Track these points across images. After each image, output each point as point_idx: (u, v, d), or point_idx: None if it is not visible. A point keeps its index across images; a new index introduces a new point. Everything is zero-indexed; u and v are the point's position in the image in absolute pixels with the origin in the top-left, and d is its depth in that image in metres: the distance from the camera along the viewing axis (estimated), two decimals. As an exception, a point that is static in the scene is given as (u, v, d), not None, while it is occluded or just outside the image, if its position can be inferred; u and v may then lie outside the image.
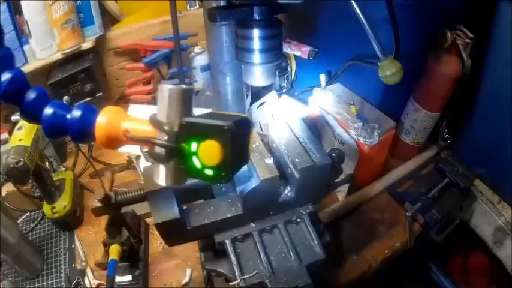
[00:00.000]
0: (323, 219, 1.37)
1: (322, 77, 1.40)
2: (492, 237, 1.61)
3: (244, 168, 0.83)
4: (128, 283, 1.22)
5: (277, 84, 1.69)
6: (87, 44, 1.55)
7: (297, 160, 0.84)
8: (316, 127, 1.54)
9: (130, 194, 0.91)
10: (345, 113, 1.37)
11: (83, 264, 1.31)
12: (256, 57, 0.79)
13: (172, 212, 0.82)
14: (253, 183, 0.81)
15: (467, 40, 1.32)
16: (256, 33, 0.77)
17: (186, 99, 0.58)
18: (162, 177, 0.59)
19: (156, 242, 1.37)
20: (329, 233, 1.05)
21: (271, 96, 1.53)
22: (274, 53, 0.80)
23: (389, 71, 0.98)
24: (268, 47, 0.78)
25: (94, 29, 1.56)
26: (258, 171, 0.81)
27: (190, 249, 1.08)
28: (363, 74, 1.41)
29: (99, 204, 0.91)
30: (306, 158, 0.85)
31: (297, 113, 1.39)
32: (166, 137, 0.55)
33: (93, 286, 1.25)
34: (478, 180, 1.62)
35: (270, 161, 0.84)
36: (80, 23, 1.50)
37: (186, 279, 1.26)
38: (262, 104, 1.55)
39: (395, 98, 1.55)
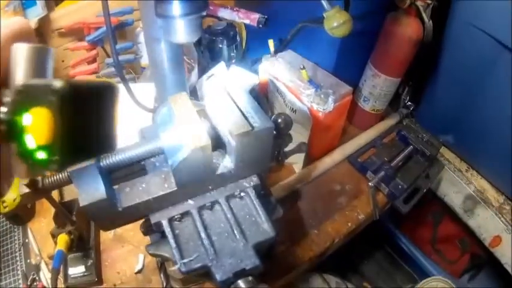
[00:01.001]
0: (279, 193, 1.31)
1: (271, 43, 1.34)
2: (462, 206, 1.59)
3: (175, 138, 0.76)
4: (81, 274, 1.16)
5: (225, 55, 1.63)
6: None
7: (232, 126, 0.76)
8: (266, 97, 1.48)
9: (58, 177, 0.82)
10: (296, 79, 1.30)
11: (38, 258, 1.25)
12: (176, 8, 0.71)
13: (98, 192, 0.73)
14: (183, 154, 0.72)
15: (428, 1, 1.28)
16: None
17: (35, 60, 0.48)
18: (18, 169, 0.49)
19: (106, 230, 1.30)
20: (285, 207, 0.98)
21: (219, 68, 1.46)
22: (196, 2, 0.72)
23: (336, 21, 0.92)
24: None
25: (37, 10, 1.47)
26: (187, 140, 0.73)
27: (142, 234, 1.01)
28: (316, 39, 1.35)
29: (26, 190, 0.83)
30: (243, 122, 0.76)
31: (246, 82, 1.33)
32: (5, 109, 0.42)
33: (49, 281, 1.18)
34: (445, 148, 1.60)
35: (201, 128, 0.76)
36: (22, 4, 1.41)
37: (139, 266, 1.21)
38: (211, 76, 1.48)
39: (352, 63, 1.49)
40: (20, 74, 0.47)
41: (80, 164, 0.74)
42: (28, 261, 1.26)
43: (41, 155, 0.41)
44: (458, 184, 1.60)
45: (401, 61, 1.41)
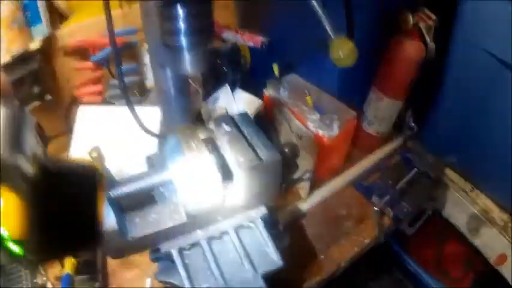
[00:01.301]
0: (285, 219, 1.31)
1: (275, 67, 1.34)
2: (467, 226, 1.58)
3: (185, 172, 0.76)
4: (88, 297, 1.14)
5: (230, 77, 1.63)
6: (35, 44, 1.46)
7: (241, 158, 0.77)
8: (272, 121, 1.48)
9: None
10: (302, 104, 1.31)
11: (44, 279, 1.23)
12: (183, 40, 0.71)
13: (109, 223, 0.73)
14: (193, 189, 0.73)
15: (430, 22, 1.28)
16: (181, 11, 0.68)
17: (12, 129, 0.43)
18: None
19: (112, 255, 1.30)
20: (291, 233, 0.99)
21: (224, 91, 1.47)
22: (202, 35, 0.73)
23: (341, 52, 0.91)
24: (195, 28, 0.70)
25: (42, 28, 1.47)
26: (197, 175, 0.74)
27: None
28: (320, 63, 1.35)
29: None
30: (251, 155, 0.77)
31: (251, 106, 1.33)
32: None
33: (59, 308, 1.16)
34: (449, 168, 1.59)
35: (210, 162, 0.76)
36: (26, 22, 1.42)
37: (147, 290, 1.19)
38: (216, 99, 1.49)
39: (356, 86, 1.49)
40: None
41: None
42: (34, 281, 1.24)
43: (15, 249, 0.35)
44: (463, 204, 1.59)
45: (404, 83, 1.42)
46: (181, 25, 0.69)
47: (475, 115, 1.38)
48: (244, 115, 0.89)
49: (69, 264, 1.10)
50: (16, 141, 0.42)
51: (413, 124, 1.63)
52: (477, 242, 1.60)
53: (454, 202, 1.63)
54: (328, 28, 0.92)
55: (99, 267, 1.21)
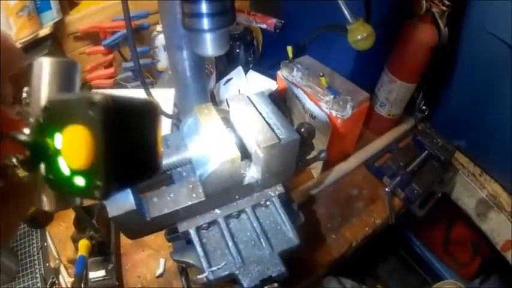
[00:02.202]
0: (297, 199, 1.32)
1: (290, 49, 1.34)
2: (475, 210, 1.59)
3: (203, 150, 0.77)
4: (102, 278, 1.16)
5: (243, 59, 1.63)
6: (44, 31, 1.46)
7: (260, 137, 0.77)
8: (285, 102, 1.48)
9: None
10: (315, 85, 1.30)
11: (57, 262, 1.24)
12: (205, 22, 0.71)
13: (127, 202, 0.73)
14: (212, 167, 0.74)
15: (444, 8, 1.28)
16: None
17: (61, 76, 0.44)
18: (44, 199, 0.44)
19: (127, 235, 1.31)
20: (304, 212, 0.99)
21: (237, 72, 1.47)
22: (225, 17, 0.72)
23: (359, 34, 0.92)
24: (218, 9, 0.70)
25: (51, 14, 1.48)
26: (216, 152, 0.74)
27: (163, 238, 1.02)
28: (334, 45, 1.36)
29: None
30: (270, 134, 0.77)
31: (264, 87, 1.34)
32: (27, 131, 0.36)
33: (68, 285, 1.19)
34: (459, 152, 1.59)
35: (230, 140, 0.77)
36: (36, 9, 1.42)
37: (160, 270, 1.22)
38: (228, 80, 1.49)
39: (369, 69, 1.50)
40: (44, 91, 0.44)
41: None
42: (47, 264, 1.26)
43: (80, 181, 0.35)
44: (472, 188, 1.60)
45: (417, 67, 1.42)
46: (204, 7, 0.69)
47: (485, 100, 1.38)
48: (260, 95, 0.89)
49: (83, 246, 1.10)
50: (70, 84, 0.43)
51: (424, 107, 1.63)
52: (485, 227, 1.60)
53: (463, 186, 1.63)
54: (346, 12, 0.92)
55: (112, 248, 1.22)
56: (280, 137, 0.77)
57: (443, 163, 1.52)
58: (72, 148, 0.33)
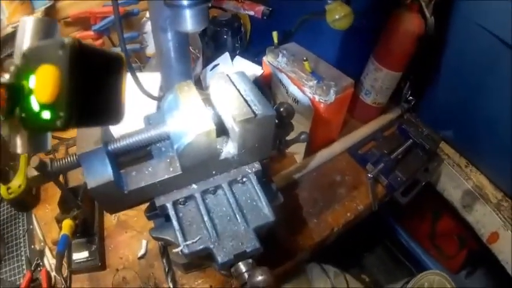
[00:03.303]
0: (280, 183, 1.34)
1: (275, 35, 1.35)
2: (461, 201, 1.60)
3: (181, 124, 0.78)
4: (85, 259, 1.18)
5: (230, 46, 1.64)
6: (36, 16, 1.47)
7: (236, 112, 0.78)
8: (270, 87, 1.49)
9: (67, 160, 0.84)
10: (299, 71, 1.31)
11: (42, 244, 1.26)
12: None
13: (106, 175, 0.75)
14: (187, 139, 0.75)
15: (430, -3, 1.27)
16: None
17: (42, 32, 0.49)
18: (18, 142, 0.48)
19: (110, 215, 1.33)
20: (286, 196, 1.00)
21: (224, 58, 1.48)
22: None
23: (337, 14, 0.94)
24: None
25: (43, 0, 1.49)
26: (192, 125, 0.75)
27: (145, 220, 1.03)
28: (320, 32, 1.37)
29: (35, 173, 0.84)
30: (246, 109, 0.79)
31: (250, 73, 1.35)
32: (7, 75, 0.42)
33: (52, 266, 1.20)
34: (444, 143, 1.61)
35: (206, 114, 0.78)
36: (28, -6, 1.43)
37: (142, 251, 1.23)
38: (215, 66, 1.51)
39: (355, 57, 1.51)
40: (27, 44, 0.49)
41: (88, 147, 0.76)
42: (32, 247, 1.28)
43: (46, 115, 0.39)
44: (457, 179, 1.61)
45: (402, 56, 1.43)
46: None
47: (472, 91, 1.39)
48: (240, 73, 0.90)
49: (66, 226, 1.11)
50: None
51: (411, 97, 1.64)
52: (470, 218, 1.61)
53: (449, 177, 1.65)
54: (325, -7, 0.93)
55: (96, 230, 1.24)
56: (256, 112, 0.79)
57: (428, 152, 1.53)
58: (42, 84, 0.38)
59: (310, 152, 1.46)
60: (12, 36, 1.46)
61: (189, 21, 0.77)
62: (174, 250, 0.81)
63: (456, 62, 1.42)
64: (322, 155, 1.48)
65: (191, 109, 0.79)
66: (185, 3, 0.74)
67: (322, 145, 1.51)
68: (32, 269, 1.21)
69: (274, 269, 1.17)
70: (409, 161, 1.50)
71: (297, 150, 1.41)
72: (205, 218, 0.81)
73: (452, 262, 2.02)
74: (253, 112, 0.78)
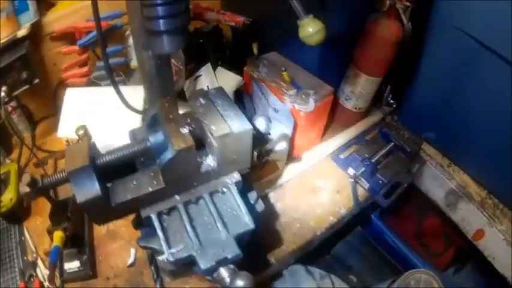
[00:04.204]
0: (263, 189, 1.37)
1: (255, 46, 1.38)
2: (445, 200, 1.63)
3: (162, 140, 0.82)
4: (77, 269, 1.21)
5: (212, 56, 1.66)
6: (22, 32, 1.49)
7: (213, 128, 0.82)
8: (251, 97, 1.52)
9: (57, 176, 0.88)
10: (279, 80, 1.35)
11: (34, 255, 1.29)
12: (161, 23, 0.76)
13: (93, 189, 0.80)
14: (168, 155, 0.79)
15: (407, 3, 1.32)
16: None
17: None
18: None
19: (100, 226, 1.34)
20: (268, 202, 1.04)
21: (206, 69, 1.51)
22: (179, 18, 0.77)
23: (310, 28, 0.96)
24: (173, 11, 0.75)
25: (29, 15, 1.50)
26: (172, 141, 0.79)
27: (134, 229, 1.06)
28: (299, 41, 1.39)
29: (27, 189, 0.87)
30: (223, 125, 0.83)
31: (231, 83, 1.38)
32: None
33: (45, 276, 1.23)
34: (427, 144, 1.63)
35: (185, 130, 0.82)
36: (14, 10, 1.44)
37: (131, 260, 1.26)
38: (198, 77, 1.53)
39: (334, 64, 1.53)
40: None
41: (76, 164, 0.80)
42: (25, 258, 1.29)
43: None
44: (441, 179, 1.64)
45: (381, 61, 1.46)
46: (159, 11, 0.74)
47: (452, 93, 1.42)
48: (218, 89, 0.94)
49: (58, 237, 1.14)
50: None
51: (392, 101, 1.67)
52: (455, 217, 1.65)
53: (432, 177, 1.68)
54: (297, 8, 0.96)
55: (86, 240, 1.27)
56: (233, 127, 0.83)
57: (410, 154, 1.57)
58: None
59: (292, 158, 1.50)
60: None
61: (166, 44, 0.80)
62: (160, 258, 0.85)
63: (435, 65, 1.45)
64: (304, 161, 1.51)
65: (171, 125, 0.82)
66: (162, 28, 0.76)
67: (304, 151, 1.54)
68: (26, 279, 1.23)
69: (258, 273, 1.20)
70: (390, 163, 1.54)
71: (279, 157, 1.43)
72: (188, 227, 0.86)
73: (440, 260, 2.03)
74: (230, 127, 0.82)
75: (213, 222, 0.87)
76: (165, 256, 0.83)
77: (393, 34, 1.37)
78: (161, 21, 0.75)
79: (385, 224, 2.07)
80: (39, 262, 1.27)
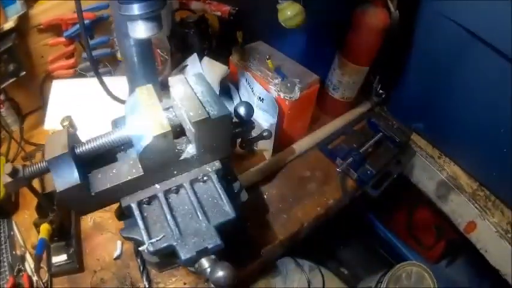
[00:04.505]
0: (249, 179, 1.36)
1: (239, 35, 1.37)
2: (435, 192, 1.63)
3: (139, 127, 0.81)
4: (64, 262, 1.20)
5: (198, 46, 1.66)
6: (9, 24, 1.48)
7: (191, 113, 0.81)
8: (236, 86, 1.51)
9: (38, 166, 0.87)
10: (265, 69, 1.34)
11: (22, 249, 1.28)
12: (135, 8, 0.76)
13: (72, 178, 0.79)
14: (145, 141, 0.78)
15: (395, -9, 1.29)
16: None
17: None
18: None
19: (86, 218, 1.35)
20: (254, 193, 1.03)
21: (192, 59, 1.50)
22: (154, 2, 0.77)
23: (289, 12, 0.96)
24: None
25: (16, 8, 1.49)
26: (149, 128, 0.78)
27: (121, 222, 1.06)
28: (284, 30, 1.39)
29: (9, 179, 0.87)
30: (202, 111, 0.82)
31: (218, 73, 1.37)
32: None
33: (33, 270, 1.22)
34: (417, 135, 1.64)
35: (163, 116, 0.81)
36: (1, 3, 1.44)
37: (118, 252, 1.26)
38: (184, 67, 1.53)
39: (321, 53, 1.53)
40: None
41: (55, 152, 0.79)
42: (14, 252, 1.28)
43: None
44: (431, 170, 1.64)
45: (368, 50, 1.46)
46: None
47: (441, 83, 1.42)
48: (198, 75, 0.93)
49: (44, 230, 1.13)
50: None
51: (381, 91, 1.66)
52: (446, 208, 1.64)
53: (422, 168, 1.67)
54: (276, -8, 0.95)
55: (73, 233, 1.26)
56: (211, 113, 0.82)
57: (399, 145, 1.56)
58: None
59: (279, 148, 1.49)
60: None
61: (143, 28, 0.80)
62: (140, 248, 0.83)
63: (424, 54, 1.45)
64: (291, 151, 1.50)
65: (149, 112, 0.81)
66: (136, 12, 0.77)
67: (291, 141, 1.53)
68: (15, 274, 1.22)
69: (246, 265, 1.20)
70: (379, 154, 1.53)
71: (266, 148, 1.43)
72: (168, 217, 0.84)
73: (431, 252, 2.04)
74: (208, 113, 0.81)
75: (194, 212, 0.86)
76: (145, 246, 0.81)
77: (380, 22, 1.36)
78: (136, 5, 0.76)
79: (376, 216, 2.07)
80: (28, 256, 1.26)
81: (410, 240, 2.07)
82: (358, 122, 1.67)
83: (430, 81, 1.47)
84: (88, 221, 1.34)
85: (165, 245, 0.82)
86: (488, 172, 1.47)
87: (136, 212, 0.85)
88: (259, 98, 1.36)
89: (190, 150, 0.87)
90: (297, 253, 1.51)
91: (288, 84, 1.28)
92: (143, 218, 0.85)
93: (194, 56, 1.50)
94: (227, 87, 1.50)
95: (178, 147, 0.87)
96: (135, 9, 0.76)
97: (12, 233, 1.33)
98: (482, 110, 1.32)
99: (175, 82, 0.90)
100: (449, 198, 1.60)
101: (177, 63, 1.59)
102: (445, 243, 2.00)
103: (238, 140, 1.01)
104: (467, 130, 1.42)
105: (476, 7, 1.16)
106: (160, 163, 0.84)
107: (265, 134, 1.06)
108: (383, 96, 1.68)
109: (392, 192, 1.50)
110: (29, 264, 1.24)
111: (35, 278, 1.20)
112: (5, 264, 1.26)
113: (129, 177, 0.84)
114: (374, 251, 2.18)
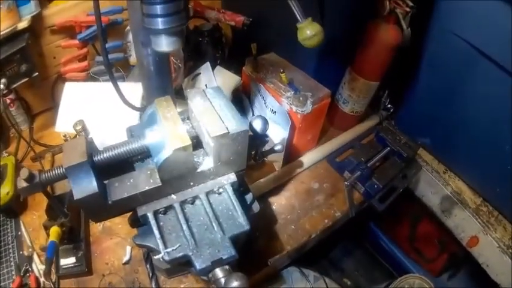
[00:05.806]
0: (259, 190, 1.37)
1: (253, 46, 1.37)
2: (440, 206, 1.63)
3: (159, 139, 0.82)
4: (72, 265, 1.21)
5: (211, 55, 1.67)
6: (23, 24, 1.48)
7: (211, 128, 0.83)
8: (249, 97, 1.53)
9: (55, 172, 0.88)
10: (277, 82, 1.35)
11: (30, 250, 1.29)
12: (160, 22, 0.77)
13: (91, 186, 0.80)
14: (166, 154, 0.79)
15: (407, 9, 1.32)
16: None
17: None
18: None
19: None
20: (264, 203, 1.04)
21: (205, 68, 1.51)
22: (178, 16, 0.78)
23: (309, 31, 0.97)
24: (172, 10, 0.76)
25: (30, 8, 1.49)
26: (169, 141, 0.79)
27: (129, 227, 1.06)
28: (297, 43, 1.40)
29: (25, 184, 0.87)
30: (220, 125, 0.83)
31: (230, 83, 1.38)
32: None
33: (40, 272, 1.23)
34: (423, 149, 1.65)
35: (183, 130, 0.82)
36: (15, 2, 1.44)
37: (127, 257, 1.27)
38: (196, 75, 1.54)
39: (333, 67, 1.54)
40: None
41: (74, 161, 0.80)
42: (21, 253, 1.30)
43: None
44: (436, 185, 1.65)
45: (379, 66, 1.47)
46: (158, 9, 0.76)
47: (449, 99, 1.42)
48: (215, 89, 0.94)
49: (54, 233, 1.14)
50: None
51: (389, 105, 1.68)
52: (449, 223, 1.65)
53: (427, 183, 1.69)
54: (296, 12, 0.98)
55: (82, 236, 1.27)
56: (230, 128, 0.83)
57: (406, 159, 1.56)
58: None
59: (289, 160, 1.50)
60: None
61: (165, 43, 0.82)
62: (156, 257, 0.85)
63: (433, 71, 1.46)
64: (301, 164, 1.52)
65: (169, 125, 0.83)
66: (161, 27, 0.78)
67: (300, 153, 1.54)
68: (22, 274, 1.23)
69: (254, 274, 1.21)
70: (386, 168, 1.54)
71: (276, 159, 1.44)
72: (184, 227, 0.86)
73: (433, 265, 2.05)
74: (226, 128, 0.83)
75: (209, 223, 0.87)
76: (161, 255, 0.82)
77: (392, 39, 1.37)
78: (160, 19, 0.77)
79: (380, 228, 2.07)
80: (35, 257, 1.27)
81: (413, 253, 2.08)
82: (367, 136, 1.68)
83: (437, 97, 1.47)
84: (97, 225, 1.35)
85: (180, 254, 0.83)
86: (492, 188, 1.47)
87: (153, 221, 0.86)
88: (272, 110, 1.37)
89: (207, 162, 0.88)
90: (301, 262, 1.51)
91: (301, 98, 1.29)
92: (159, 228, 0.86)
93: (207, 65, 1.51)
94: (239, 98, 1.51)
95: (195, 159, 0.88)
96: (160, 23, 0.78)
97: (19, 233, 1.34)
98: (487, 127, 1.33)
99: (194, 95, 0.91)
100: (453, 212, 1.61)
101: (190, 71, 1.60)
102: (447, 256, 2.00)
103: (252, 153, 1.02)
104: (472, 146, 1.43)
105: (484, 24, 1.17)
106: (178, 175, 0.85)
107: (277, 148, 1.08)
108: (391, 110, 1.69)
109: (396, 204, 1.50)
110: (36, 265, 1.25)
111: (42, 279, 1.22)
112: (12, 264, 1.27)
113: (147, 187, 0.85)
114: (377, 262, 2.18)
